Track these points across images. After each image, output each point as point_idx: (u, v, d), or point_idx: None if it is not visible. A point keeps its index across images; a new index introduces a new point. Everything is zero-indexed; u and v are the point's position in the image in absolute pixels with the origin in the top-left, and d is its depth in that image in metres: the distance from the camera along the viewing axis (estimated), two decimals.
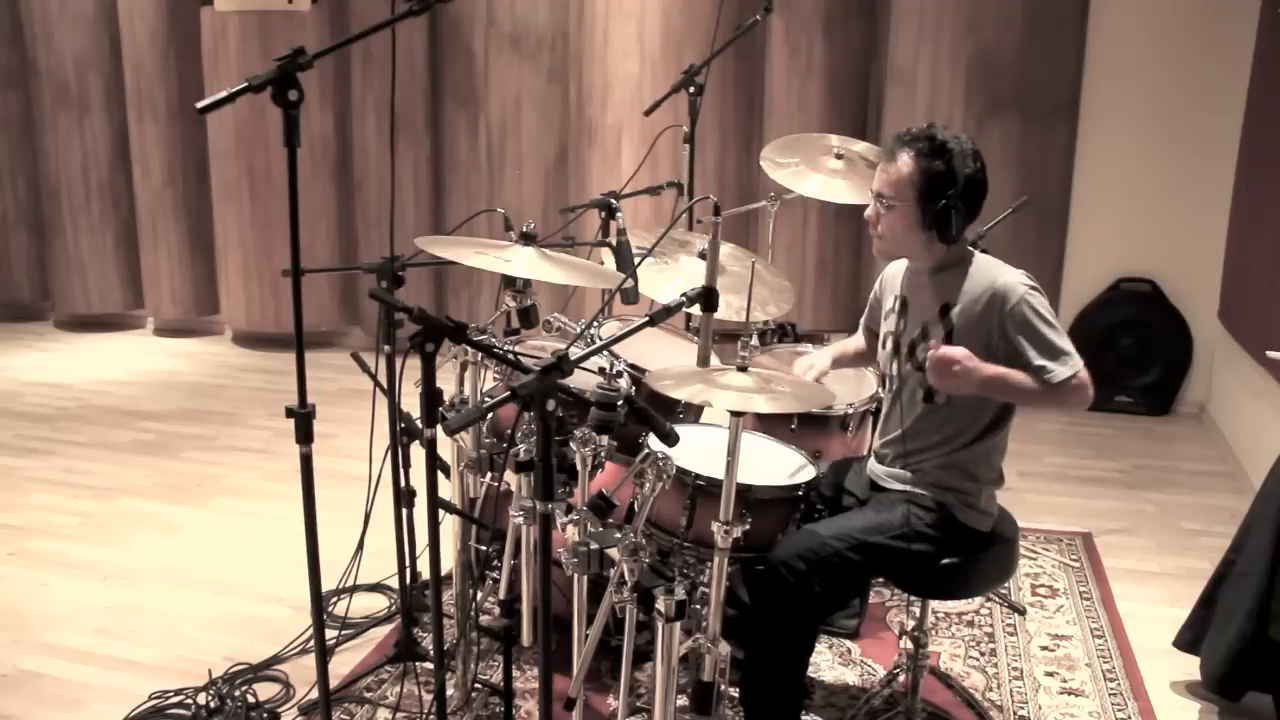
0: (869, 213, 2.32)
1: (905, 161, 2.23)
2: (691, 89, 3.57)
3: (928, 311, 2.31)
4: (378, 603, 3.14)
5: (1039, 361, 2.16)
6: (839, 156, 3.29)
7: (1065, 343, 2.18)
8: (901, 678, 2.68)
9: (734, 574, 2.43)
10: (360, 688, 2.72)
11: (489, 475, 2.55)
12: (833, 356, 2.70)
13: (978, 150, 2.25)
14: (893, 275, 2.49)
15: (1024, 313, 2.18)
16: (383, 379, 2.59)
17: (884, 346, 2.46)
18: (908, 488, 2.33)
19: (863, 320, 2.69)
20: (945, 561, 2.27)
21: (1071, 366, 2.16)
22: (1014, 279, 2.22)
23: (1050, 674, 2.84)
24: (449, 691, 2.57)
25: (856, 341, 2.72)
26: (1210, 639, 2.66)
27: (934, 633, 3.00)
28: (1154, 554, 3.56)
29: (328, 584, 2.40)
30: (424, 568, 2.91)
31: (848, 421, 2.85)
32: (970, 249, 2.34)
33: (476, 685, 2.63)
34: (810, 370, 2.63)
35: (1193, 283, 4.91)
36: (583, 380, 2.19)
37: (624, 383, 2.15)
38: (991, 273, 2.25)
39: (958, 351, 2.15)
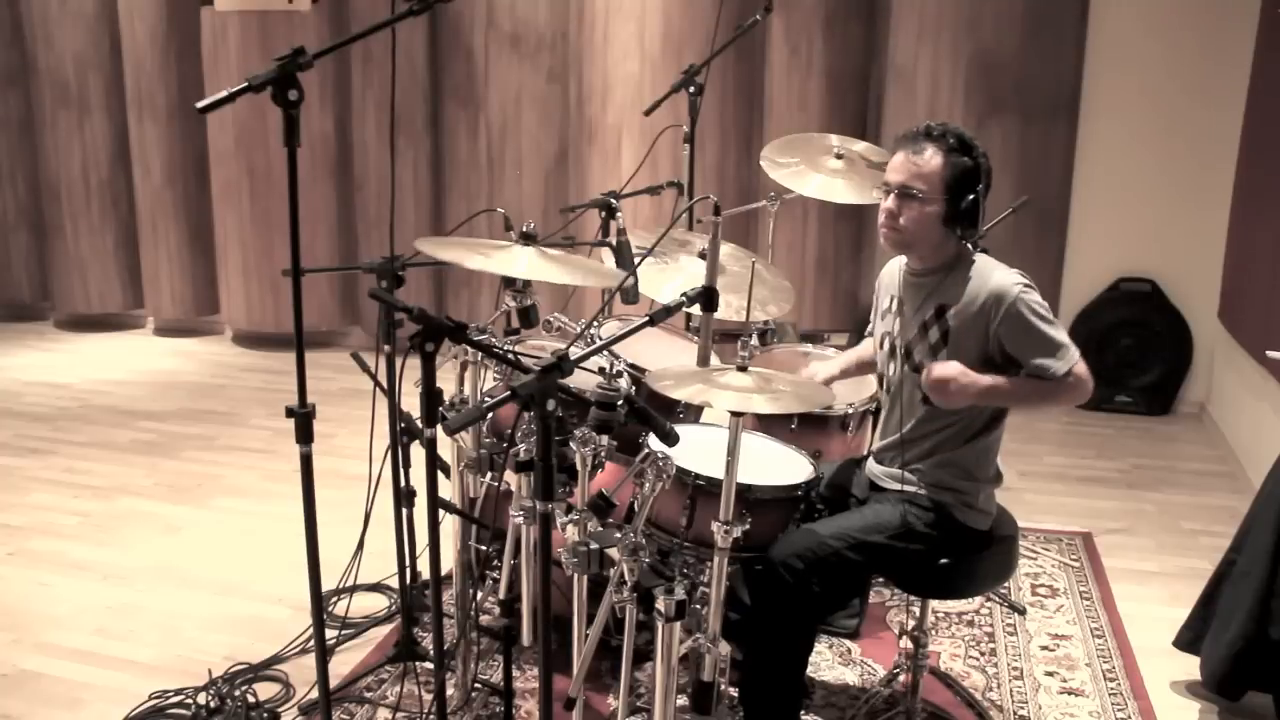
0: (889, 204, 2.27)
1: (933, 155, 2.22)
2: (691, 89, 3.57)
3: (924, 313, 2.31)
4: (378, 603, 3.14)
5: (1037, 360, 2.18)
6: (839, 156, 3.29)
7: (1061, 336, 2.20)
8: (901, 678, 2.69)
9: (734, 575, 2.43)
10: (360, 688, 2.72)
11: (489, 475, 2.55)
12: (841, 366, 2.69)
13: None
14: (889, 276, 2.49)
15: (1020, 311, 2.19)
16: (383, 379, 2.58)
17: (881, 347, 2.46)
18: (906, 487, 2.33)
19: (869, 328, 2.68)
20: (945, 561, 2.28)
21: (1068, 360, 2.17)
22: (1009, 280, 2.22)
23: (1050, 674, 2.84)
24: (449, 691, 2.57)
25: (866, 349, 2.70)
26: (1210, 639, 2.66)
27: (934, 633, 3.00)
28: (1154, 554, 3.56)
29: (328, 584, 2.40)
30: (424, 568, 2.91)
31: (848, 421, 2.85)
32: (969, 248, 2.34)
33: (476, 685, 2.63)
34: (814, 378, 2.63)
35: (1193, 283, 4.91)
36: (583, 380, 2.18)
37: (624, 383, 2.15)
38: (987, 274, 2.25)
39: (951, 369, 2.19)
